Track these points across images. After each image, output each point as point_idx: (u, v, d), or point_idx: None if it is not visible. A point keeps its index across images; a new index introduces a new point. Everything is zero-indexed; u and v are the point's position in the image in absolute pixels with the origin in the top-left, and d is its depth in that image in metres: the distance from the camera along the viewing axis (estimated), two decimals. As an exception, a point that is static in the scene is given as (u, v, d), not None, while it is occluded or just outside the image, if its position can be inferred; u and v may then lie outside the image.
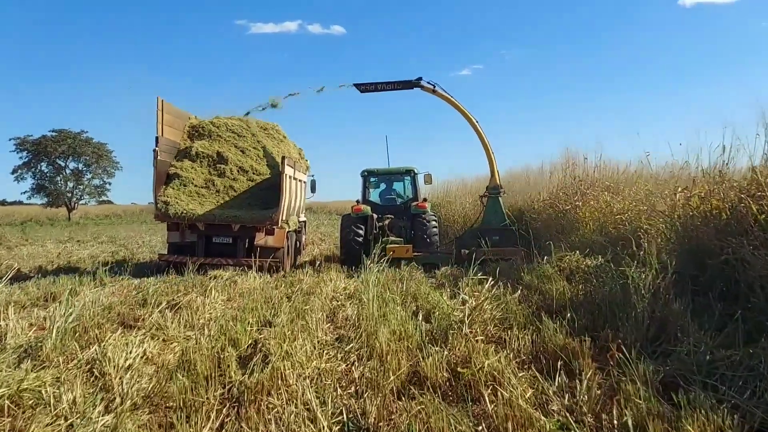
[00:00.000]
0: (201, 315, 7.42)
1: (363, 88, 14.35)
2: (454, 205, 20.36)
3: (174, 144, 12.98)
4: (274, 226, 11.84)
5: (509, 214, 14.11)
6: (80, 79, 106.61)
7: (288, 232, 12.75)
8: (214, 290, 8.87)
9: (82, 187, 58.20)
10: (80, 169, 57.59)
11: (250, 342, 5.83)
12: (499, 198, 13.39)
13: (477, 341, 5.47)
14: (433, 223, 13.97)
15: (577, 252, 8.61)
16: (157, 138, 11.84)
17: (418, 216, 13.97)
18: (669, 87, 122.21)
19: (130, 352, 5.46)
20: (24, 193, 57.34)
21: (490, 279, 6.95)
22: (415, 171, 15.34)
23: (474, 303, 6.09)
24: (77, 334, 6.01)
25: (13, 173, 55.08)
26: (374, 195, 15.93)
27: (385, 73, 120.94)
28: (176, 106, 13.21)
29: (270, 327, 6.38)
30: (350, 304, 8.21)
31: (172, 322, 6.75)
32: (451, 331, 5.60)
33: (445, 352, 5.02)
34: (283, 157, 12.12)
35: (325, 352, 5.68)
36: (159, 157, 11.83)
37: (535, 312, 6.76)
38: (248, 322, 6.40)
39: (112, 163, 59.47)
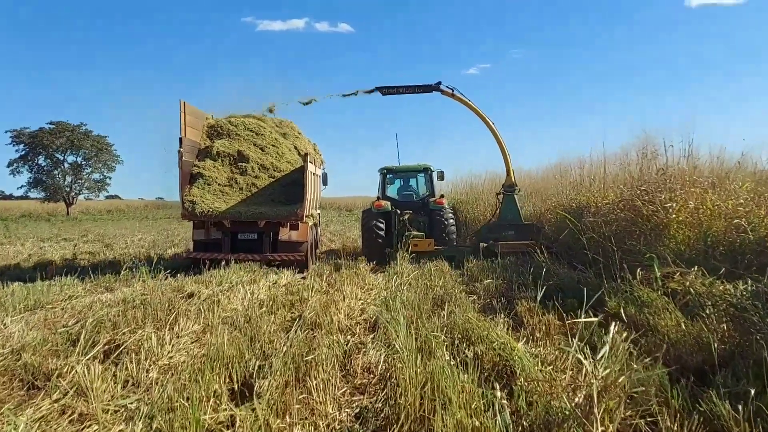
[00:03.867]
0: (155, 362, 5.02)
1: (385, 91, 14.78)
2: (481, 201, 17.90)
3: (195, 144, 13.03)
4: (299, 221, 12.06)
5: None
6: (85, 74, 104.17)
7: (310, 226, 12.92)
8: (184, 317, 6.44)
9: (81, 181, 56.05)
10: (79, 162, 55.49)
11: (209, 439, 3.39)
12: (515, 195, 13.99)
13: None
14: (451, 218, 14.49)
15: (698, 269, 6.00)
16: (180, 139, 11.89)
17: (436, 211, 14.40)
18: (678, 87, 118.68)
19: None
20: (21, 187, 55.44)
21: (614, 326, 4.32)
22: (431, 168, 15.72)
23: (603, 379, 3.53)
24: None
25: (8, 166, 53.02)
26: (392, 191, 16.16)
27: (393, 71, 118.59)
28: (194, 106, 13.17)
29: (250, 399, 3.94)
30: (373, 342, 5.76)
31: (102, 381, 4.34)
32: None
33: None
34: (306, 154, 12.64)
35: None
36: (183, 158, 11.86)
37: (660, 366, 4.25)
38: (213, 393, 3.95)
39: (113, 157, 57.47)
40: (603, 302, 6.85)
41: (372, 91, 14.86)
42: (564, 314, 6.56)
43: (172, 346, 5.50)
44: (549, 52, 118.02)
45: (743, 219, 6.87)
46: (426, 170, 15.76)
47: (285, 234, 12.22)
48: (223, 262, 10.83)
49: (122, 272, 9.89)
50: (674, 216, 7.43)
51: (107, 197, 65.44)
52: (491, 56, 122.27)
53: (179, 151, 11.78)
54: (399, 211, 14.40)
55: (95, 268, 11.72)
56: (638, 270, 6.64)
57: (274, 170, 13.41)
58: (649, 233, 7.51)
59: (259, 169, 13.26)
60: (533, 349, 5.27)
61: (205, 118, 14.03)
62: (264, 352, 5.17)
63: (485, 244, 12.70)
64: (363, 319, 7.01)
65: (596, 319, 4.13)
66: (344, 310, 7.28)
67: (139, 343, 5.30)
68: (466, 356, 4.86)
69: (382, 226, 13.87)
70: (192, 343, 5.77)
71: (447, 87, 14.45)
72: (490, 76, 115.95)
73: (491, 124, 14.22)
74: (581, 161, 12.90)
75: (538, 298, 6.46)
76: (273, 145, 14.06)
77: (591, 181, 10.83)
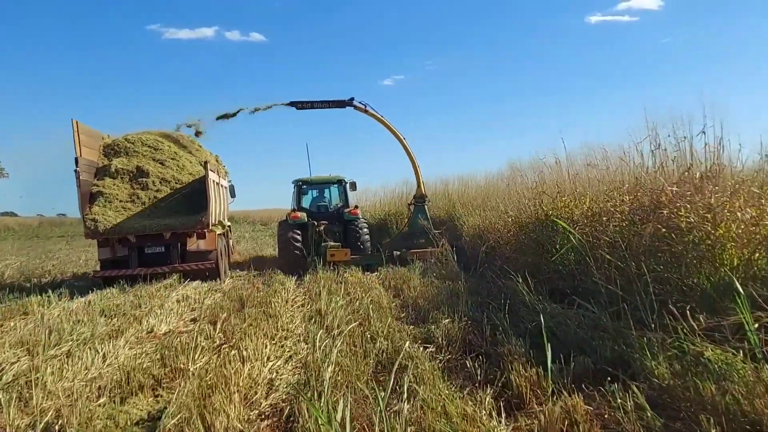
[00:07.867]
0: None
1: (299, 106, 14.92)
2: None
3: (92, 163, 12.90)
4: (205, 230, 12.13)
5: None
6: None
7: (218, 235, 12.98)
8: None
9: (-42, 196, 49.59)
10: (-45, 176, 48.98)
11: None
12: (425, 206, 14.73)
13: None
14: (365, 228, 14.98)
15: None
16: (76, 159, 11.70)
17: (351, 222, 14.89)
18: (578, 100, 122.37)
19: None
20: None
21: None
22: (345, 179, 16.08)
23: None
24: None
25: None
26: (306, 202, 16.31)
27: (307, 82, 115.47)
28: (88, 126, 13.02)
29: None
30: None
31: None
32: None
33: None
34: (206, 162, 12.73)
35: None
36: (81, 177, 11.70)
37: None
38: None
39: (-4, 170, 51.09)
40: (628, 363, 4.65)
41: (286, 105, 15.03)
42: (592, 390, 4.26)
43: None
44: (460, 65, 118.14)
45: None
46: (340, 182, 16.14)
47: (193, 244, 12.44)
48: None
49: None
50: (728, 228, 5.26)
51: (1, 214, 59.26)
52: (405, 67, 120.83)
53: (76, 171, 11.58)
54: (315, 222, 14.61)
55: None
56: (687, 309, 4.41)
57: (176, 183, 13.36)
58: (688, 254, 5.30)
59: (160, 182, 13.21)
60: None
61: (101, 138, 13.88)
62: None
63: (398, 252, 13.10)
64: (270, 405, 4.42)
65: None
66: (242, 387, 4.65)
67: None
68: None
69: (299, 237, 13.97)
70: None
71: (360, 103, 14.86)
72: (405, 87, 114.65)
73: (402, 138, 14.84)
74: (537, 166, 10.50)
75: (550, 368, 4.16)
76: (173, 159, 14.02)
77: (570, 184, 8.48)
